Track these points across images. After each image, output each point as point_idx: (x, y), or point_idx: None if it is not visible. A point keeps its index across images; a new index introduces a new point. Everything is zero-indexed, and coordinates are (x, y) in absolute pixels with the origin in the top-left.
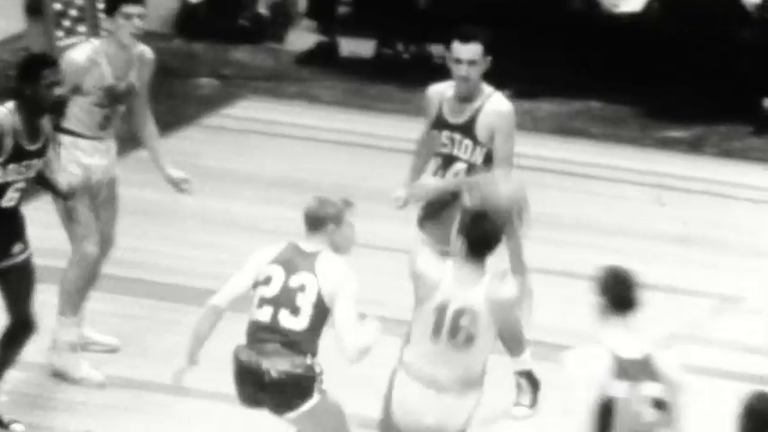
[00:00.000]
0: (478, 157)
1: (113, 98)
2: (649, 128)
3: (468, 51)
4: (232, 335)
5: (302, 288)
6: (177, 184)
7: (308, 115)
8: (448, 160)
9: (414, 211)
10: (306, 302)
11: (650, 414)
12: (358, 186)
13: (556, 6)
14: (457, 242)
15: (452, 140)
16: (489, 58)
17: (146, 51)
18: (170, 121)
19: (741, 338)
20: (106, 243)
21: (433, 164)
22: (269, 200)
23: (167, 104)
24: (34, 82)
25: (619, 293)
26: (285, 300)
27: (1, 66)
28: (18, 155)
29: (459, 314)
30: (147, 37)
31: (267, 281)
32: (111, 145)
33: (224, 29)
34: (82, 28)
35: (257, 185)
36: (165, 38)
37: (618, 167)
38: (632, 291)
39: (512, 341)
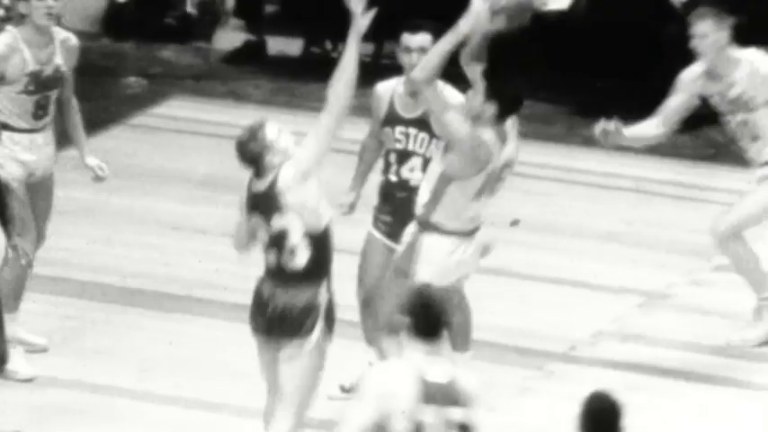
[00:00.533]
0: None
1: (41, 84)
2: (576, 125)
3: (416, 41)
4: (159, 336)
5: (285, 231)
6: (94, 171)
7: (236, 114)
8: (403, 156)
9: (360, 214)
10: (296, 239)
11: None
12: None
13: None
14: (488, 109)
15: (407, 135)
16: None
17: (70, 38)
18: (98, 121)
19: (667, 335)
20: (38, 239)
21: (386, 161)
22: (199, 199)
23: (95, 104)
24: None
25: (423, 319)
26: (279, 243)
27: None
28: None
29: (501, 169)
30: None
31: (253, 233)
32: (49, 137)
33: (151, 28)
34: (10, 28)
35: (187, 184)
36: (92, 37)
37: (543, 165)
38: (437, 316)
39: (459, 335)
